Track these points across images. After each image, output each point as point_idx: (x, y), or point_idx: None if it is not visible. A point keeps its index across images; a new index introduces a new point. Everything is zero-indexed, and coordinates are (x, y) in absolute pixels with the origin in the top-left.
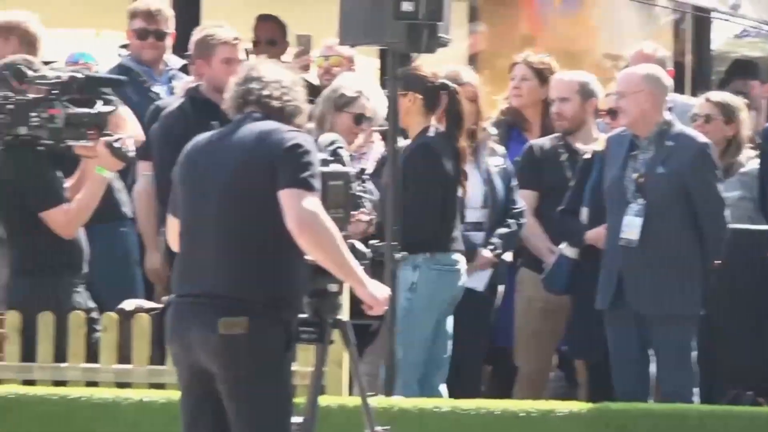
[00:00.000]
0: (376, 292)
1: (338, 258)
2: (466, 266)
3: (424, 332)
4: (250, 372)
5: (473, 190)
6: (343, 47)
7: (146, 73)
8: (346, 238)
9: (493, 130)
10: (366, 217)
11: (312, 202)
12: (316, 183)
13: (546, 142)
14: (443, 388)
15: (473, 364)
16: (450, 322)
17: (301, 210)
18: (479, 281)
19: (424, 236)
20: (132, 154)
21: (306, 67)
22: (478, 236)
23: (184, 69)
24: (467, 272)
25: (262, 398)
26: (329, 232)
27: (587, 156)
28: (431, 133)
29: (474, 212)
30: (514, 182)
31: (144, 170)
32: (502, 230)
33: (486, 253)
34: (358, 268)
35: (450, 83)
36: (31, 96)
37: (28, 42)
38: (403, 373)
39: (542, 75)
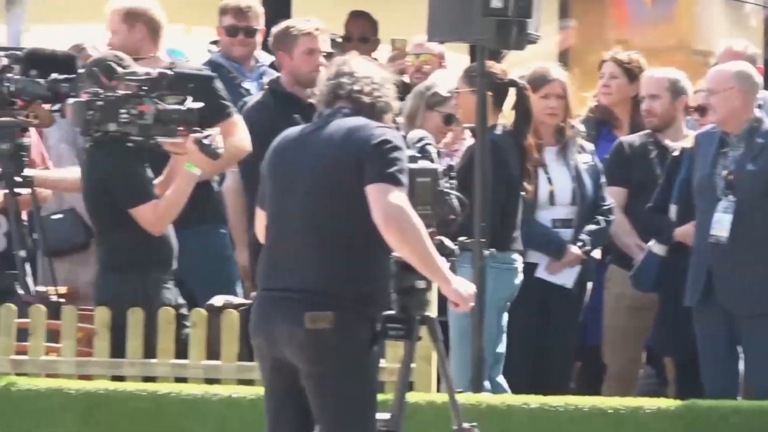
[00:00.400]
0: (461, 289)
1: (423, 254)
2: (522, 265)
3: (486, 329)
4: (336, 368)
5: (562, 187)
6: (433, 44)
7: (236, 69)
8: (433, 234)
9: (582, 128)
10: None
11: (399, 197)
12: (404, 179)
13: (635, 139)
14: (502, 380)
15: (562, 361)
16: (505, 318)
17: (388, 205)
18: (568, 278)
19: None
20: (221, 151)
21: (401, 72)
22: (566, 233)
23: (274, 65)
24: (555, 269)
25: (348, 395)
26: (415, 227)
27: (676, 153)
28: (498, 130)
29: (563, 209)
30: (603, 179)
31: (233, 167)
32: (591, 227)
33: (574, 249)
34: (444, 265)
35: (519, 80)
36: (120, 92)
37: (152, 29)
38: (464, 369)
39: (631, 72)
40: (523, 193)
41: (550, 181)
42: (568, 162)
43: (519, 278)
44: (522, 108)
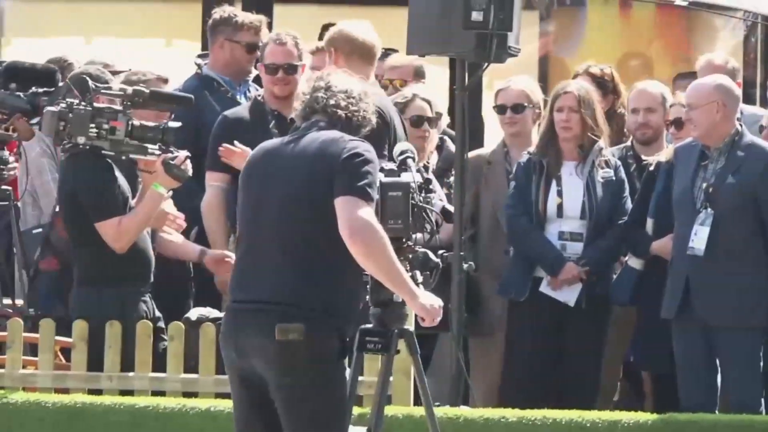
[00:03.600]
0: (427, 303)
1: (388, 267)
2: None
3: None
4: (305, 379)
5: (572, 201)
6: (406, 63)
7: (227, 83)
8: (409, 249)
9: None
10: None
11: (366, 211)
12: (373, 193)
13: (614, 152)
14: None
15: (583, 379)
16: None
17: (354, 218)
18: (570, 295)
19: None
20: (189, 174)
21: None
22: (575, 247)
23: (256, 79)
24: (554, 285)
25: (317, 407)
26: (381, 242)
27: (651, 167)
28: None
29: (572, 222)
30: (626, 195)
31: (211, 181)
32: (598, 243)
33: (570, 267)
34: (409, 280)
35: None
36: (92, 106)
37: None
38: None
39: (605, 86)
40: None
41: (560, 194)
42: (582, 174)
43: None
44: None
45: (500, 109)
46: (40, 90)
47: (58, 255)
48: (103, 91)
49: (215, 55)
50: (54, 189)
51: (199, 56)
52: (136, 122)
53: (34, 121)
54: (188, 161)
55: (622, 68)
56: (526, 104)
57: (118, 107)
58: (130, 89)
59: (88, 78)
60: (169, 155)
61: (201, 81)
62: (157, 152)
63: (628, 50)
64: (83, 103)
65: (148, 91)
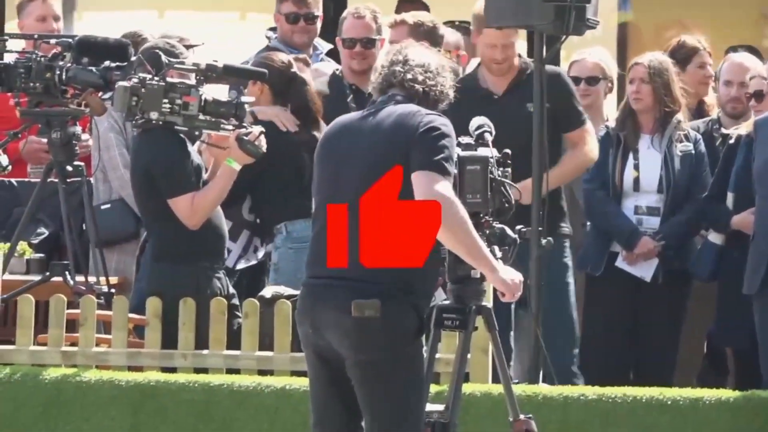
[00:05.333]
0: (508, 277)
1: (467, 242)
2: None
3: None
4: (382, 356)
5: (648, 174)
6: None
7: None
8: (488, 223)
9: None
10: None
11: (444, 186)
12: (450, 167)
13: (699, 125)
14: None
15: (660, 356)
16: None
17: (432, 192)
18: (647, 270)
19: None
20: (263, 149)
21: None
22: (652, 221)
23: (331, 53)
24: (630, 260)
25: (394, 384)
26: (459, 216)
27: (732, 140)
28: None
29: (648, 196)
30: (706, 169)
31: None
32: (676, 218)
33: (645, 241)
34: (489, 254)
35: (299, 73)
36: (165, 81)
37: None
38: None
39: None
40: None
41: (636, 167)
42: (660, 148)
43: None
44: (300, 102)
45: (574, 81)
46: (113, 64)
47: None
48: (176, 65)
49: (278, 27)
50: (120, 164)
51: (271, 29)
52: (209, 97)
53: (107, 96)
54: (262, 137)
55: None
56: (600, 77)
57: (191, 82)
58: (203, 64)
59: (160, 52)
60: (243, 130)
61: None
62: (230, 127)
63: None
64: (156, 78)
65: (221, 65)
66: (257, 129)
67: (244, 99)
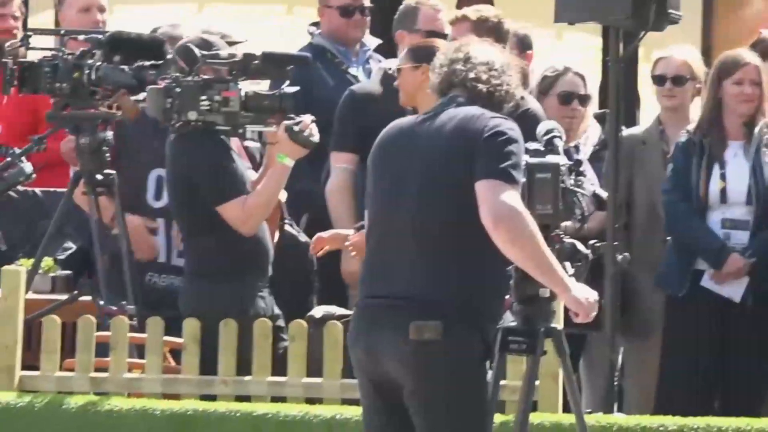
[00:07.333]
0: (581, 296)
1: (537, 257)
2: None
3: None
4: (443, 383)
5: (736, 185)
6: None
7: (342, 53)
8: (558, 237)
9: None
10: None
11: (511, 196)
12: (518, 175)
13: None
14: None
15: (747, 384)
16: None
17: (498, 203)
18: (736, 290)
19: None
20: (315, 139)
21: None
22: (740, 236)
23: (379, 49)
24: (718, 278)
25: (456, 413)
26: (528, 229)
27: None
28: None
29: (736, 209)
30: None
31: (337, 163)
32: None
33: (735, 258)
34: (561, 270)
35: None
36: (200, 78)
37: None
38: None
39: None
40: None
41: (723, 177)
42: (749, 156)
43: None
44: None
45: (659, 80)
46: (147, 63)
47: None
48: (209, 60)
49: (322, 22)
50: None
51: (313, 24)
52: (250, 90)
53: (141, 97)
54: (314, 125)
55: None
56: (687, 76)
57: (229, 76)
58: (240, 54)
59: (193, 47)
60: (291, 121)
61: (312, 51)
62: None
63: None
64: (190, 75)
65: (260, 54)
66: (308, 117)
67: (287, 89)
